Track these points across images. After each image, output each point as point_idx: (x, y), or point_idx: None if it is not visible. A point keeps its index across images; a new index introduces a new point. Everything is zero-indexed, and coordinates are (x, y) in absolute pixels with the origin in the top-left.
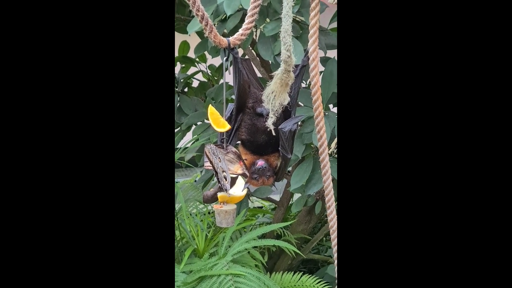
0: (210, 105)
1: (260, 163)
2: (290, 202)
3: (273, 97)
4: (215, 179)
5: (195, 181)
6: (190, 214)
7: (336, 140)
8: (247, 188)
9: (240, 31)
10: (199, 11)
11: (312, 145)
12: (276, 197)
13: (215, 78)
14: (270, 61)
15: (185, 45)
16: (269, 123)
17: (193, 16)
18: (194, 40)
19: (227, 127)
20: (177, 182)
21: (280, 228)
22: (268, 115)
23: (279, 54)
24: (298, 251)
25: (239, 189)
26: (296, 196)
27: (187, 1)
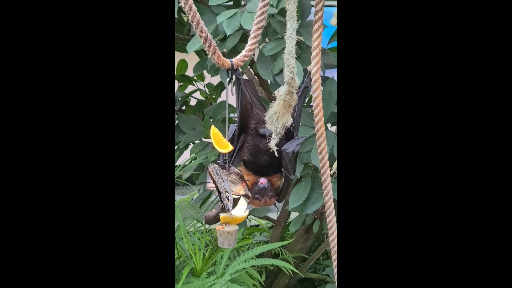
0: (212, 126)
1: (262, 182)
2: (288, 221)
3: (276, 118)
4: (218, 199)
5: (192, 199)
6: (188, 233)
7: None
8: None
9: (243, 52)
10: (202, 32)
11: (310, 164)
12: (273, 216)
13: (213, 96)
14: (269, 81)
15: (183, 63)
16: (272, 144)
17: (192, 35)
18: (192, 58)
19: (230, 148)
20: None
21: (278, 246)
22: (270, 136)
23: (278, 74)
24: (295, 270)
25: (241, 210)
26: (293, 214)
27: (191, 23)
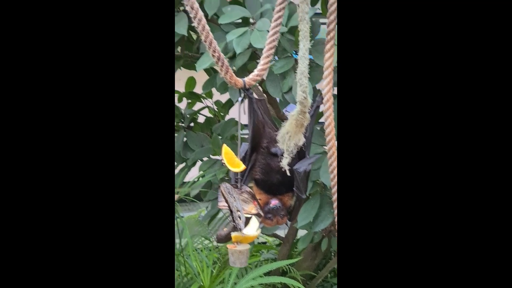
0: (224, 145)
1: (274, 202)
2: (295, 238)
3: (288, 137)
4: (227, 216)
5: (200, 216)
6: (195, 250)
7: None
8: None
9: (256, 71)
10: (215, 52)
11: (318, 182)
12: (281, 233)
13: (221, 113)
14: (277, 98)
15: (191, 80)
16: (284, 163)
17: (201, 53)
18: (199, 75)
19: (242, 167)
20: (182, 217)
21: (286, 264)
22: (282, 155)
23: (287, 92)
24: None
25: (252, 229)
26: (301, 232)
27: (204, 43)
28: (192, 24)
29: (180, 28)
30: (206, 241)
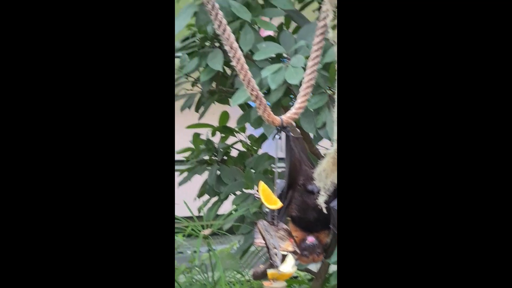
0: (261, 182)
1: (311, 240)
2: (328, 273)
3: (325, 175)
4: (262, 252)
5: (232, 250)
6: (228, 284)
7: None
8: None
9: (293, 109)
10: (253, 90)
11: None
12: (313, 267)
13: (254, 148)
14: (312, 134)
15: (225, 115)
16: (320, 200)
17: (236, 88)
18: (233, 109)
19: (279, 204)
20: (214, 250)
21: None
22: (319, 192)
23: (321, 128)
24: None
25: (288, 266)
26: (333, 266)
27: (242, 81)
28: (231, 63)
29: (216, 64)
30: (238, 275)
